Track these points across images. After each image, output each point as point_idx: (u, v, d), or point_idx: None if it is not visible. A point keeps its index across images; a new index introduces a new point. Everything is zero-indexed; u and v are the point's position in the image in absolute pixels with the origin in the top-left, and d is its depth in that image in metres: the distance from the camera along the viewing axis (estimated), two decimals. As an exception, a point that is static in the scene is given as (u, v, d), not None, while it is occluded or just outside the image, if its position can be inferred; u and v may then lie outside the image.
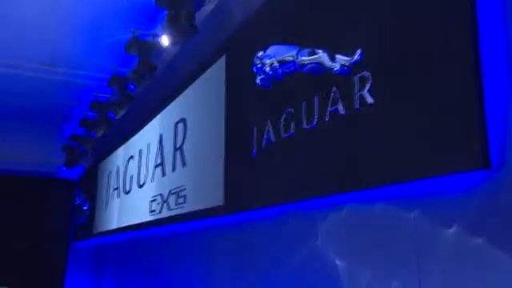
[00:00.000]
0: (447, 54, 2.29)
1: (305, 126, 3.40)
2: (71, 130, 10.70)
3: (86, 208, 11.50)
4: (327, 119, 3.17)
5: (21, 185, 12.41)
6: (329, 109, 3.14)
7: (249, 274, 4.10)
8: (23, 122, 10.54)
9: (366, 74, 2.79)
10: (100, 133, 9.26)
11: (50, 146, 11.62)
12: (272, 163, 3.87)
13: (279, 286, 3.61)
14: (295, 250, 3.42)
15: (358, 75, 2.85)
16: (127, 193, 8.41)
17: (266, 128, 3.93)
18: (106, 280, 8.49)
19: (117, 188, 9.13)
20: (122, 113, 8.05)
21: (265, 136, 3.95)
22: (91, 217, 10.90)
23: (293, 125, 3.54)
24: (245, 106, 4.50)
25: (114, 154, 9.50)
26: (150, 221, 6.94)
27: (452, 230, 2.25)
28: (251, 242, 4.14)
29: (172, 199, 6.17)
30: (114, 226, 8.98)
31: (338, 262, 2.96)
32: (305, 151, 3.43)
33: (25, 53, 7.71)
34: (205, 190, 5.26)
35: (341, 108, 3.04)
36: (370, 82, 2.76)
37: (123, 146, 8.91)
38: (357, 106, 2.89)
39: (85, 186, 11.90)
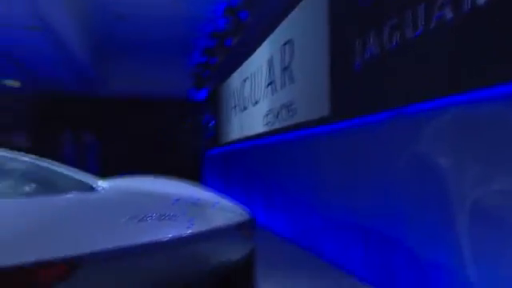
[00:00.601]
0: None
1: (409, 35, 3.00)
2: (197, 58, 10.91)
3: (212, 124, 12.00)
4: (433, 25, 2.75)
5: (159, 107, 13.12)
6: (435, 14, 2.70)
7: (353, 176, 3.95)
8: (158, 53, 10.93)
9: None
10: (220, 59, 9.34)
11: (181, 73, 11.96)
12: (375, 73, 3.55)
13: (384, 188, 3.42)
14: (401, 153, 3.16)
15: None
16: (244, 109, 8.53)
17: (369, 41, 3.59)
18: (233, 179, 8.95)
19: (235, 106, 9.30)
20: (236, 40, 7.95)
21: (368, 49, 3.62)
22: (217, 131, 11.38)
23: (397, 35, 3.15)
24: (347, 22, 4.14)
25: (232, 77, 9.58)
26: (264, 131, 7.03)
27: None
28: (356, 146, 3.94)
29: (283, 112, 6.12)
30: (235, 137, 9.28)
31: (445, 163, 2.66)
32: (409, 59, 3.07)
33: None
34: (312, 103, 5.11)
35: (448, 12, 2.59)
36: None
37: (239, 70, 8.92)
38: (466, 8, 2.46)
39: (211, 106, 12.33)
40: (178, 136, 13.38)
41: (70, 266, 1.12)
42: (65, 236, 1.23)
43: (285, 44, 6.06)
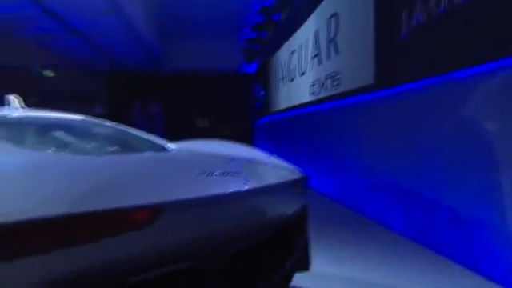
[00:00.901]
0: None
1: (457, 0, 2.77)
2: (248, 34, 10.77)
3: (262, 94, 11.95)
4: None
5: (214, 80, 13.21)
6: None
7: (397, 140, 3.81)
8: (213, 31, 10.90)
9: None
10: (269, 34, 9.17)
11: (233, 48, 11.91)
12: (422, 41, 3.34)
13: (428, 152, 3.27)
14: (445, 118, 2.99)
15: None
16: (291, 80, 8.40)
17: (416, 9, 3.35)
18: (282, 145, 8.96)
19: (283, 77, 9.18)
20: (284, 15, 7.74)
21: (414, 17, 3.39)
22: (266, 101, 11.33)
23: (444, 1, 2.92)
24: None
25: (280, 50, 9.41)
26: (310, 101, 6.91)
27: None
28: (400, 113, 3.78)
29: (328, 82, 5.97)
30: (283, 106, 9.21)
31: (491, 127, 2.50)
32: (456, 24, 2.84)
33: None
34: (356, 72, 4.92)
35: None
36: None
37: (286, 43, 8.73)
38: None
39: (260, 78, 12.25)
40: (231, 106, 13.49)
41: (154, 211, 1.17)
42: (147, 186, 1.29)
43: (330, 17, 5.83)
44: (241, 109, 13.58)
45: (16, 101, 2.42)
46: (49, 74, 11.79)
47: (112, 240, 1.10)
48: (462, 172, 2.79)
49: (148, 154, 1.89)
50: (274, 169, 1.90)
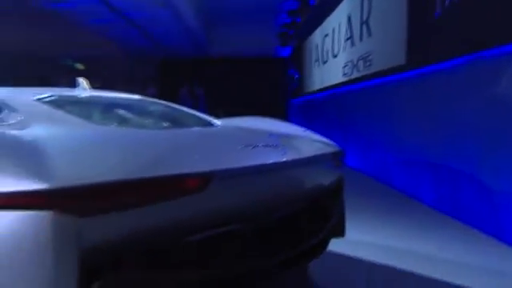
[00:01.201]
0: None
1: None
2: (283, 19, 10.51)
3: (296, 76, 11.72)
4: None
5: (252, 63, 13.13)
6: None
7: (427, 118, 3.61)
8: (251, 18, 10.73)
9: None
10: (303, 19, 8.88)
11: (269, 33, 11.73)
12: (455, 19, 3.09)
13: (458, 128, 3.08)
14: (477, 95, 2.78)
15: None
16: (324, 62, 8.14)
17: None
18: (315, 124, 8.80)
19: (317, 59, 8.91)
20: (318, 0, 7.44)
21: (449, -4, 3.13)
22: (300, 82, 11.11)
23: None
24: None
25: (313, 34, 9.11)
26: (343, 81, 6.69)
27: None
28: (431, 91, 3.56)
29: (360, 63, 5.72)
30: (316, 87, 8.99)
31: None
32: (491, 2, 2.59)
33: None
34: (388, 53, 4.67)
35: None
36: None
37: (320, 27, 8.43)
38: None
39: (294, 61, 11.99)
40: (268, 87, 13.40)
41: (206, 178, 1.18)
42: (199, 157, 1.29)
43: (363, 0, 5.53)
44: (276, 90, 13.47)
45: (84, 83, 2.48)
46: (79, 66, 12.22)
47: (169, 203, 1.12)
48: (492, 146, 2.61)
49: (198, 129, 1.90)
50: (312, 142, 1.86)
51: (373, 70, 5.18)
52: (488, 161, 2.66)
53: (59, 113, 1.61)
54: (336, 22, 7.08)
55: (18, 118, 1.50)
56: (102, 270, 1.02)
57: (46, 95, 1.85)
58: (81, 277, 0.97)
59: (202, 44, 12.14)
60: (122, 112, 1.98)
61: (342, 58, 6.76)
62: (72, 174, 1.01)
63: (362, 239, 2.50)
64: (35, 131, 1.34)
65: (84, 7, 8.22)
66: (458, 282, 1.93)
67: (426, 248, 2.42)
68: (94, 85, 2.78)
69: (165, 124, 1.99)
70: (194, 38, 11.15)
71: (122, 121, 1.89)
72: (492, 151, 2.61)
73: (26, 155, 1.08)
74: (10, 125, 1.46)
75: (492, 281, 1.99)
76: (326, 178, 1.76)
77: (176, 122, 2.06)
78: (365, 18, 5.47)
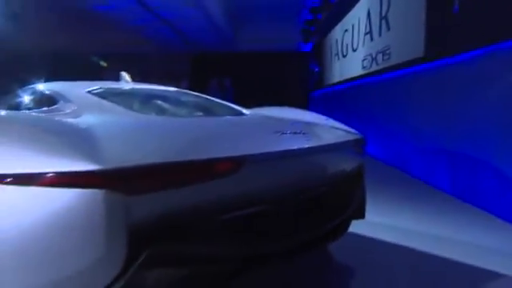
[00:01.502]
0: None
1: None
2: (305, 16, 10.28)
3: (317, 70, 11.49)
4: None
5: (275, 58, 12.97)
6: None
7: (446, 108, 3.46)
8: (275, 15, 10.56)
9: None
10: (324, 16, 8.64)
11: (292, 29, 11.52)
12: (474, 13, 2.91)
13: (475, 118, 2.93)
14: (494, 85, 2.63)
15: None
16: (344, 56, 7.92)
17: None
18: (334, 114, 8.65)
19: (337, 54, 8.68)
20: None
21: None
22: (321, 75, 10.89)
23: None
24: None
25: (334, 29, 8.86)
26: (362, 74, 6.49)
27: None
28: (449, 81, 3.40)
29: (379, 57, 5.53)
30: (336, 79, 8.79)
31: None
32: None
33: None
34: (406, 46, 4.49)
35: None
36: None
37: (340, 23, 8.18)
38: None
39: (315, 55, 11.74)
40: (290, 80, 13.25)
41: (237, 162, 1.17)
42: (232, 142, 1.29)
43: (383, -4, 5.30)
44: (298, 82, 13.29)
45: (127, 77, 2.53)
46: (103, 64, 12.54)
47: (205, 184, 1.13)
48: (508, 134, 2.47)
49: (229, 117, 1.90)
50: (335, 130, 1.81)
51: (391, 62, 5.00)
52: (505, 148, 2.52)
53: (107, 103, 1.65)
54: (356, 17, 6.85)
55: (73, 108, 1.55)
56: (147, 241, 1.04)
57: (95, 88, 1.90)
58: (129, 247, 1.00)
59: (230, 40, 12.11)
60: (160, 102, 2.00)
61: (361, 52, 6.56)
62: (120, 156, 1.03)
63: (380, 221, 2.45)
64: (87, 119, 1.37)
65: (124, 9, 8.34)
66: (473, 262, 1.87)
67: (444, 231, 2.34)
68: (135, 79, 2.83)
69: (200, 113, 1.99)
70: (223, 34, 11.11)
71: (161, 110, 1.91)
72: (508, 139, 2.47)
73: (80, 140, 1.11)
74: (66, 114, 1.50)
75: (507, 262, 1.90)
76: (347, 164, 1.72)
77: (209, 111, 2.07)
78: (384, 13, 5.26)
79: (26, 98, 2.01)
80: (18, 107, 1.97)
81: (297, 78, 13.27)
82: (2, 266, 1.00)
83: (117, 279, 0.99)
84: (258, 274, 1.25)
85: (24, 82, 2.35)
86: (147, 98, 2.07)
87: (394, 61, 4.91)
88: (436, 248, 2.03)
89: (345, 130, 1.85)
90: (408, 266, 1.88)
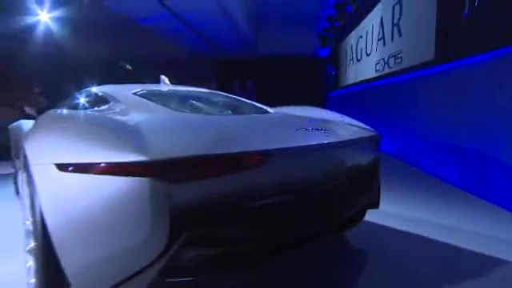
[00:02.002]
0: None
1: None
2: (323, 23, 10.06)
3: (333, 73, 11.25)
4: None
5: (295, 62, 12.83)
6: None
7: (456, 107, 3.29)
8: (294, 21, 10.41)
9: None
10: (340, 23, 8.42)
11: (310, 36, 11.34)
12: (484, 16, 2.73)
13: (485, 116, 2.77)
14: (504, 86, 2.46)
15: None
16: (358, 60, 7.70)
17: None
18: (349, 113, 8.44)
19: (352, 58, 8.46)
20: (355, 6, 6.99)
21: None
22: (336, 78, 10.66)
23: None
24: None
25: (349, 36, 8.62)
26: (374, 76, 6.29)
27: None
28: (459, 82, 3.23)
29: (391, 60, 5.33)
30: (351, 81, 8.57)
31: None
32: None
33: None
34: (417, 50, 4.30)
35: None
36: None
37: (355, 30, 7.95)
38: None
39: (332, 60, 11.50)
40: (309, 82, 13.07)
41: (264, 155, 1.16)
42: (258, 137, 1.28)
43: (395, 5, 5.10)
44: (316, 84, 13.10)
45: (166, 80, 2.57)
46: (128, 67, 12.71)
47: (237, 174, 1.12)
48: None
49: (256, 115, 1.89)
50: (353, 128, 1.77)
51: (403, 66, 4.81)
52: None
53: (150, 103, 1.68)
54: (369, 24, 6.63)
55: (122, 107, 1.59)
56: (186, 225, 1.05)
57: (139, 89, 1.94)
58: (171, 229, 1.01)
59: (253, 46, 12.07)
60: (195, 102, 2.02)
61: (374, 56, 6.35)
62: (163, 149, 1.05)
63: (393, 211, 2.38)
64: (134, 117, 1.40)
65: (162, 21, 8.49)
66: (482, 251, 1.78)
67: (454, 222, 2.24)
68: (171, 81, 2.87)
69: (229, 111, 1.99)
70: (246, 40, 11.09)
71: (196, 109, 1.92)
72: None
73: (129, 135, 1.14)
74: (116, 112, 1.55)
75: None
76: (364, 158, 1.67)
77: (238, 109, 2.06)
78: (396, 20, 5.05)
79: (83, 99, 2.09)
80: (76, 107, 2.05)
81: (315, 80, 13.07)
82: (67, 241, 1.04)
83: (160, 256, 1.01)
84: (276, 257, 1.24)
85: (80, 86, 2.44)
86: (184, 98, 2.09)
87: (405, 64, 4.72)
88: (446, 236, 1.95)
89: (362, 128, 1.79)
90: (417, 250, 1.82)
